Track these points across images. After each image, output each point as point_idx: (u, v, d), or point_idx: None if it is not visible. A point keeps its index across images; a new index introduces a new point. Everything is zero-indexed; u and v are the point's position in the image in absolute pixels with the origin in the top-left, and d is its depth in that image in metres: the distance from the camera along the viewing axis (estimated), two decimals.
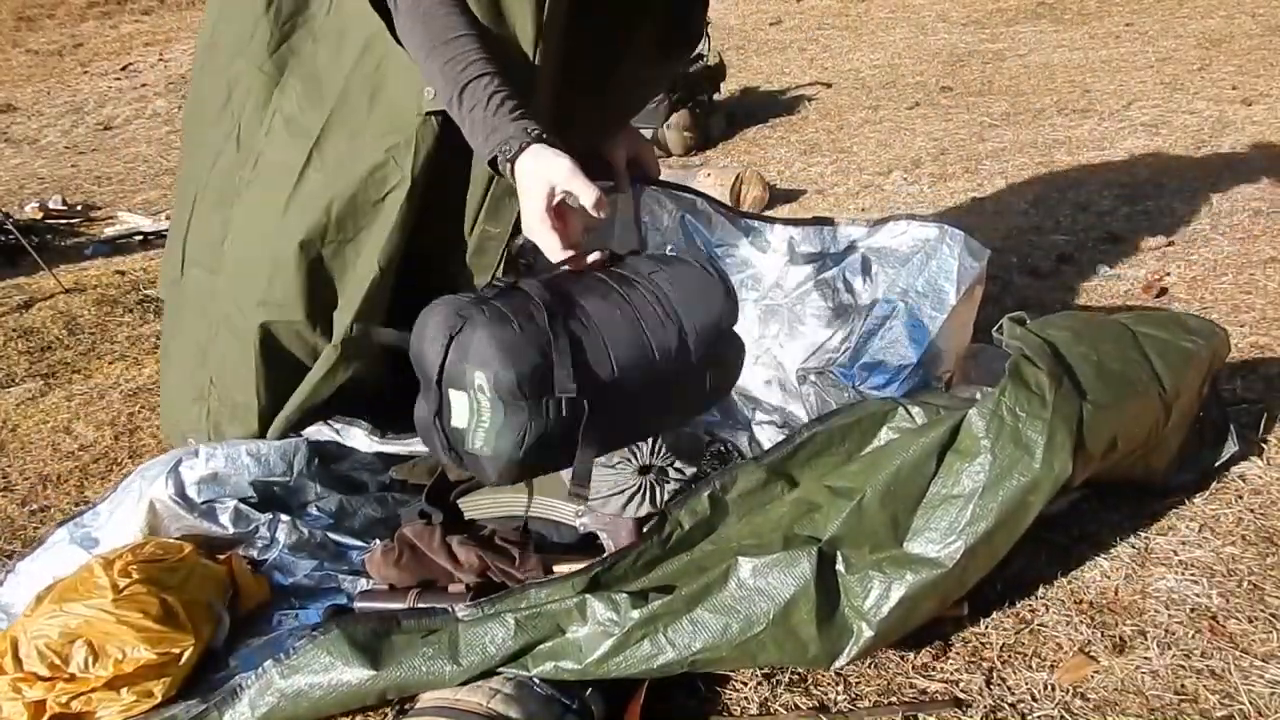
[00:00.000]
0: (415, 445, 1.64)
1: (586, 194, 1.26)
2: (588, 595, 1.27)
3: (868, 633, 1.27)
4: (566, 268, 1.29)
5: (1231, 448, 1.63)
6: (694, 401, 1.35)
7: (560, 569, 1.43)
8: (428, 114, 1.48)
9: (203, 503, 1.64)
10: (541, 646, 1.26)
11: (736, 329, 1.35)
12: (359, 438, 1.66)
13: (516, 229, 1.51)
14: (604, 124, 1.80)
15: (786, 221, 1.93)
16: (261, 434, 1.70)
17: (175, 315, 1.89)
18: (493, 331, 1.14)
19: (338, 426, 1.67)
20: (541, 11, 1.42)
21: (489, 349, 1.14)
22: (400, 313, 1.71)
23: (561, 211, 1.29)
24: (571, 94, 1.66)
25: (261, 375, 1.65)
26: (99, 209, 4.22)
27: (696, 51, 4.21)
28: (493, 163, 1.34)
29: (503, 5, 1.43)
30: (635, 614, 1.25)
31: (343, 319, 1.61)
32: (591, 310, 1.22)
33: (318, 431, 1.69)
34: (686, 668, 1.26)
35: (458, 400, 1.17)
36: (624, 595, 1.27)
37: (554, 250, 1.28)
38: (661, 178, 1.95)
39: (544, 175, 1.27)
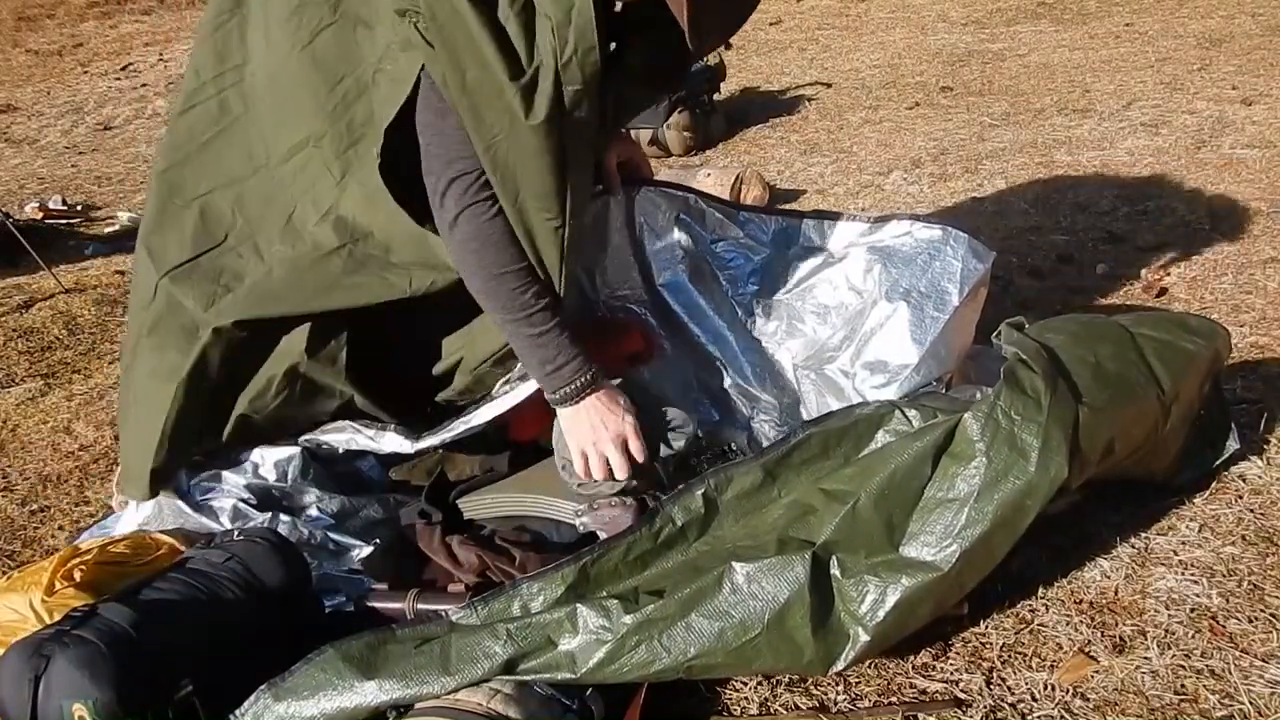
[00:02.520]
0: (455, 429, 1.62)
1: (637, 449, 1.53)
2: (578, 605, 1.27)
3: (864, 637, 1.26)
4: None
5: (1233, 446, 1.63)
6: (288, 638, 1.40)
7: None
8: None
9: (202, 499, 1.65)
10: (534, 661, 1.25)
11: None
12: (396, 442, 1.64)
13: None
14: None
15: (784, 213, 1.92)
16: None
17: None
18: (80, 656, 1.15)
19: (370, 433, 1.66)
20: (562, 246, 1.50)
21: (80, 677, 1.14)
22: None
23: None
24: None
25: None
26: (99, 209, 4.22)
27: None
28: (556, 391, 1.51)
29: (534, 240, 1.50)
30: (628, 619, 1.25)
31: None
32: (176, 607, 1.29)
33: (349, 439, 1.67)
34: (682, 674, 1.26)
35: None
36: (614, 601, 1.26)
37: (621, 467, 1.52)
38: (657, 177, 1.95)
39: (616, 423, 1.52)
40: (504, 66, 1.34)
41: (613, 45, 1.43)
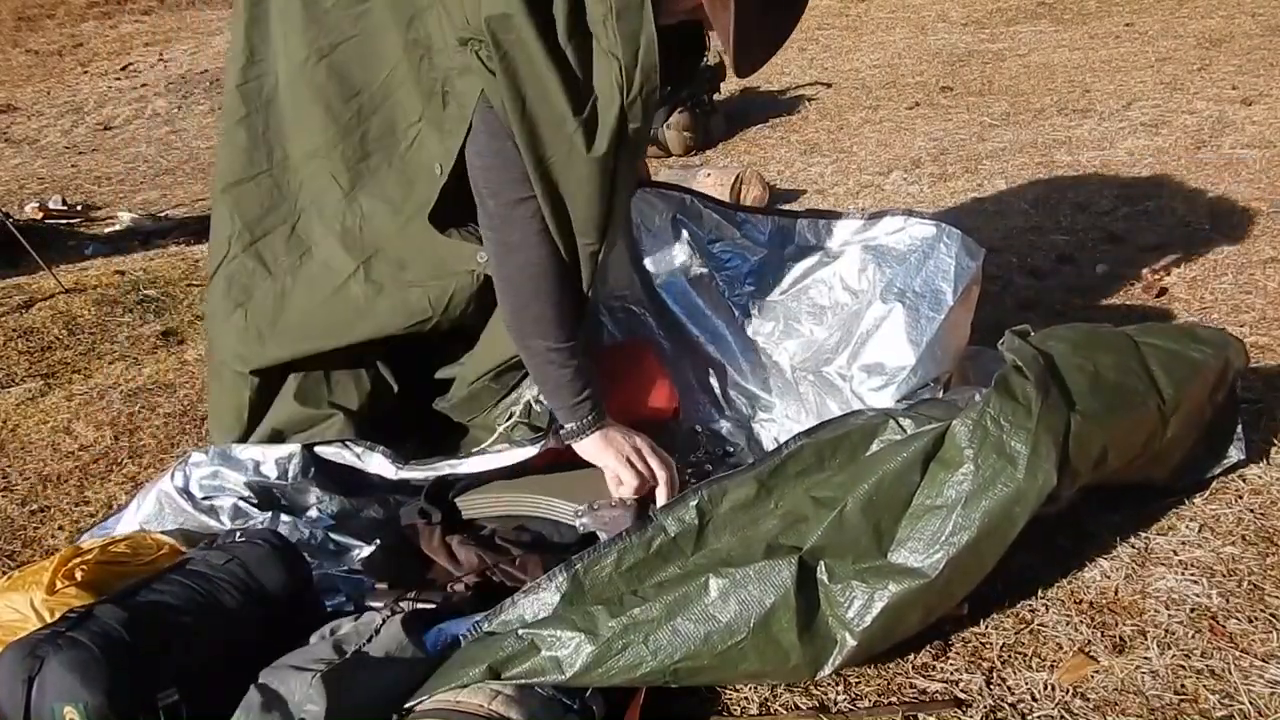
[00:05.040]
0: (440, 469, 1.64)
1: (657, 455, 1.57)
2: (563, 610, 1.27)
3: (850, 642, 1.26)
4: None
5: (1237, 456, 1.63)
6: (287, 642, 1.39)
7: None
8: (471, 271, 1.57)
9: (203, 498, 1.65)
10: (519, 666, 1.25)
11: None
12: (381, 464, 1.65)
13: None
14: None
15: (779, 213, 1.92)
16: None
17: None
18: (73, 659, 1.15)
19: (359, 451, 1.67)
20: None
21: (72, 680, 1.14)
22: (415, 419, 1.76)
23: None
24: None
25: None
26: (99, 209, 4.22)
27: None
28: (578, 423, 1.54)
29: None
30: (613, 623, 1.24)
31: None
32: (173, 610, 1.29)
33: (338, 454, 1.68)
34: (669, 677, 1.25)
35: None
36: (599, 606, 1.27)
37: (657, 470, 1.55)
38: (658, 178, 1.96)
39: (631, 438, 1.55)
40: (566, 98, 1.36)
41: None
